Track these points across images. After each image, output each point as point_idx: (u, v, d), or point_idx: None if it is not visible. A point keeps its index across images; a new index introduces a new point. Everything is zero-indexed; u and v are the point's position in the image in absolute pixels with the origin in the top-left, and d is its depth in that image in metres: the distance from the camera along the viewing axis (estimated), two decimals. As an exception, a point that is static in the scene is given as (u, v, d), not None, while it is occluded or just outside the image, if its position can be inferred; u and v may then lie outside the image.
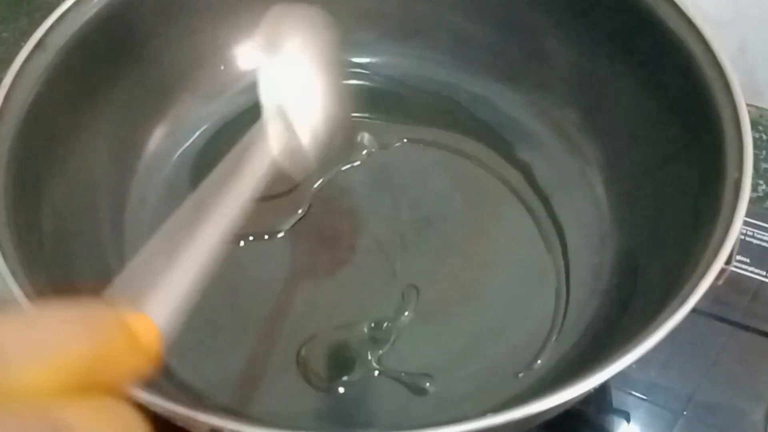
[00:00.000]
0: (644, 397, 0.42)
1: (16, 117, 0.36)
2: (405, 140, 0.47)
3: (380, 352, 0.39)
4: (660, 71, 0.40)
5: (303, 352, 0.39)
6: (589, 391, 0.28)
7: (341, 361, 0.39)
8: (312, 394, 0.38)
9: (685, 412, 0.42)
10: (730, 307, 0.45)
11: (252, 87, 0.48)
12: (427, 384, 0.38)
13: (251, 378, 0.38)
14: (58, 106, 0.39)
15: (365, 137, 0.47)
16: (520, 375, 0.38)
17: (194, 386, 0.37)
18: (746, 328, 0.45)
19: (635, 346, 0.29)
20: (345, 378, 0.38)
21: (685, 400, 0.42)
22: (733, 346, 0.44)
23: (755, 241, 0.48)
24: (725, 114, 0.35)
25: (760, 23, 0.59)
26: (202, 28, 0.46)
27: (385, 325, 0.40)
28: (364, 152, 0.47)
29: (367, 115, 0.48)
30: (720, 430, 0.41)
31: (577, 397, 0.28)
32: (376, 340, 0.39)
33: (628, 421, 0.41)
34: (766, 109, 0.56)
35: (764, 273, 0.46)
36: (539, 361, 0.38)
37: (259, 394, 0.38)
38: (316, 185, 0.45)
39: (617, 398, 0.41)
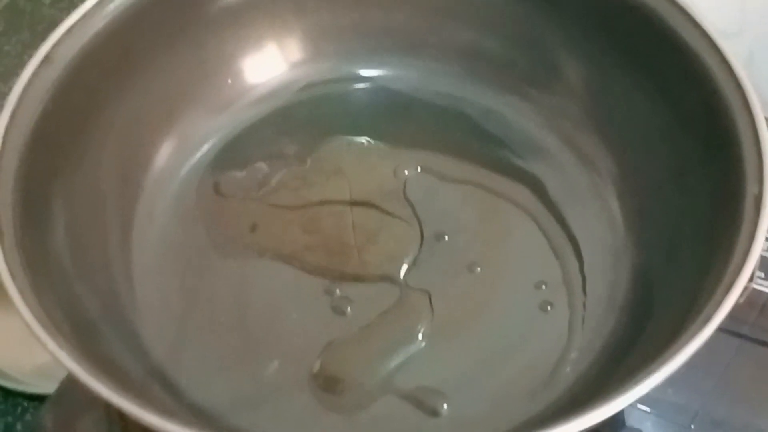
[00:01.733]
0: (650, 411, 0.42)
1: (23, 134, 0.36)
2: (414, 152, 0.46)
3: (393, 370, 0.38)
4: (674, 83, 0.40)
5: (316, 368, 0.38)
6: (612, 415, 0.28)
7: (352, 377, 0.38)
8: (324, 415, 0.37)
9: (692, 426, 0.42)
10: (739, 320, 0.45)
11: (259, 100, 0.49)
12: (441, 404, 0.37)
13: (263, 398, 0.37)
14: (66, 121, 0.39)
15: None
16: (536, 395, 0.37)
17: (205, 408, 0.37)
18: (755, 341, 0.45)
19: (659, 366, 0.28)
20: (357, 396, 0.37)
21: (692, 414, 0.42)
22: (742, 360, 0.44)
23: (765, 254, 0.47)
24: (742, 126, 0.35)
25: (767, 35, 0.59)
26: (208, 42, 0.46)
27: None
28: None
29: (375, 126, 0.48)
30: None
31: (600, 422, 0.28)
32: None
33: (641, 438, 0.40)
34: (774, 121, 0.55)
35: (774, 286, 0.46)
36: (555, 381, 0.37)
37: (271, 416, 0.37)
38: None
39: (625, 412, 0.40)
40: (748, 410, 0.43)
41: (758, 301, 0.45)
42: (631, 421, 0.41)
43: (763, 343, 0.45)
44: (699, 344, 0.29)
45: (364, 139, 0.47)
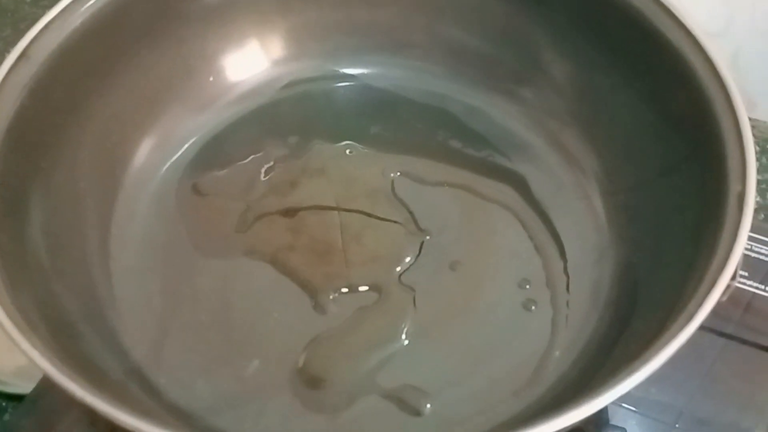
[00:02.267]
0: (635, 410, 0.42)
1: (-1, 129, 0.35)
2: (398, 153, 0.46)
3: (376, 369, 0.38)
4: (659, 83, 0.40)
5: (298, 367, 0.38)
6: (593, 413, 0.28)
7: (335, 376, 0.38)
8: (306, 415, 0.37)
9: (677, 425, 0.42)
10: (723, 319, 0.45)
11: (241, 98, 0.48)
12: (424, 403, 0.37)
13: (244, 398, 0.37)
14: (43, 118, 0.38)
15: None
16: (520, 394, 0.37)
17: (184, 408, 0.36)
18: (739, 340, 0.45)
19: (642, 364, 0.28)
20: (339, 396, 0.37)
21: (677, 412, 0.42)
22: (726, 358, 0.44)
23: (750, 254, 0.47)
24: (726, 125, 0.35)
25: (753, 34, 0.59)
26: (190, 39, 0.46)
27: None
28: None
29: (359, 126, 0.47)
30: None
31: (582, 420, 0.27)
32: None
33: (625, 436, 0.40)
34: (759, 121, 0.55)
35: (757, 285, 0.46)
36: (538, 379, 0.37)
37: (252, 415, 0.36)
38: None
39: (609, 411, 0.40)
40: (734, 409, 0.43)
41: (742, 299, 0.45)
42: (615, 420, 0.41)
43: (748, 342, 0.45)
44: (681, 342, 0.28)
45: (347, 139, 0.47)
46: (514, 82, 0.47)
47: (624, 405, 0.41)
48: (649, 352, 0.29)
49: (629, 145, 0.42)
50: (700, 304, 0.30)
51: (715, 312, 0.29)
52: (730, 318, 0.45)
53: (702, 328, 0.28)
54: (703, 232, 0.34)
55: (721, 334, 0.45)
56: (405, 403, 0.37)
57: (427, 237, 0.42)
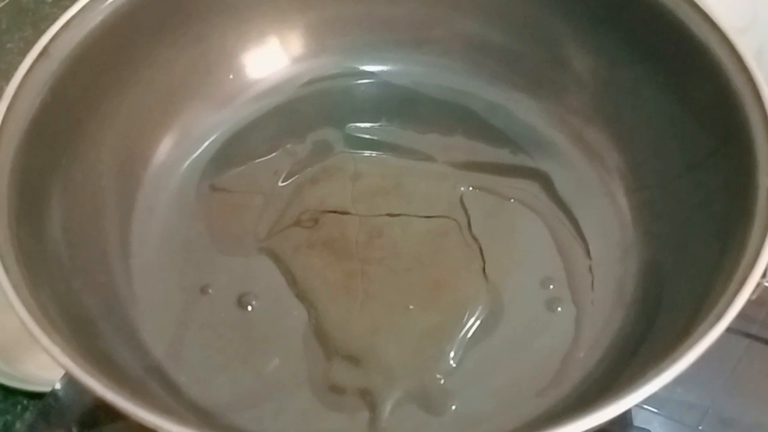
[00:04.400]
0: (658, 412, 0.41)
1: (20, 127, 0.35)
2: (417, 149, 0.46)
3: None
4: (684, 77, 0.39)
5: (318, 366, 0.37)
6: (618, 415, 0.27)
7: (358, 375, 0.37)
8: (326, 413, 0.36)
9: (700, 427, 0.41)
10: (747, 319, 0.44)
11: (261, 95, 0.48)
12: (448, 404, 0.36)
13: (263, 396, 0.37)
14: (63, 115, 0.38)
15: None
16: (543, 393, 0.36)
17: (204, 405, 0.36)
18: (763, 340, 0.44)
19: (669, 364, 0.27)
20: (362, 393, 0.37)
21: (701, 414, 0.41)
22: (750, 358, 0.43)
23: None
24: (754, 118, 0.34)
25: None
26: (209, 36, 0.45)
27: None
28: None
29: (379, 124, 0.47)
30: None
31: (606, 421, 0.27)
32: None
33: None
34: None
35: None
36: (562, 379, 0.37)
37: (271, 414, 0.36)
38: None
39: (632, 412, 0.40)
40: (758, 408, 0.42)
41: (767, 299, 0.45)
42: (638, 421, 0.40)
43: (770, 342, 0.44)
44: (710, 342, 0.28)
45: (368, 136, 0.46)
46: (536, 78, 0.46)
47: (647, 407, 0.40)
48: (676, 351, 0.28)
49: (653, 141, 0.41)
50: (729, 303, 0.29)
51: (740, 312, 0.28)
52: (755, 318, 0.45)
53: (727, 329, 0.28)
54: (731, 228, 0.33)
55: (746, 335, 0.44)
56: (428, 401, 0.36)
57: (447, 233, 0.42)
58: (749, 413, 0.42)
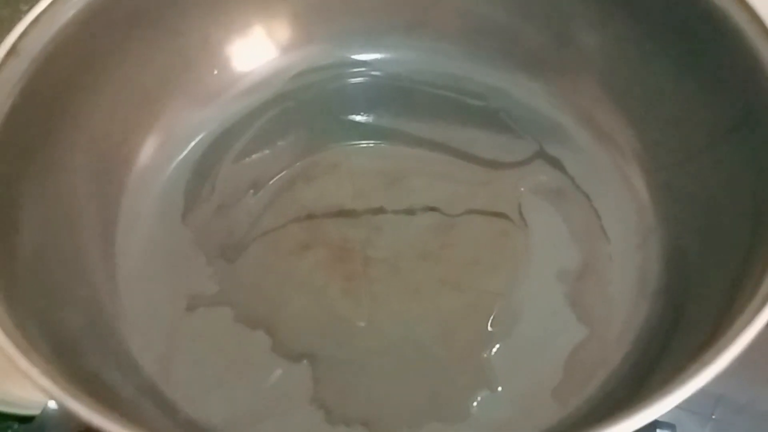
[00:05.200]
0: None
1: (-13, 131, 0.33)
2: (417, 142, 0.44)
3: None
4: (698, 47, 0.37)
5: (319, 380, 0.35)
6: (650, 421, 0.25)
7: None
8: (331, 428, 0.34)
9: (713, 416, 0.40)
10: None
11: (249, 90, 0.46)
12: (463, 408, 0.34)
13: (264, 412, 0.35)
14: (35, 118, 0.36)
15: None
16: (565, 392, 0.34)
17: (201, 424, 0.34)
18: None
19: (704, 366, 0.25)
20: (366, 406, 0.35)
21: (713, 402, 0.40)
22: (762, 345, 0.42)
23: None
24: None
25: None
26: (189, 29, 0.43)
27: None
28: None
29: (373, 116, 0.45)
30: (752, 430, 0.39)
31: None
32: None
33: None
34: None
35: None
36: (586, 377, 0.34)
37: (273, 430, 0.34)
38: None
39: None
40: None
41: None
42: (665, 418, 0.38)
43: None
44: (755, 331, 0.25)
45: (362, 131, 0.44)
46: (538, 58, 0.44)
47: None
48: (710, 350, 0.26)
49: (669, 118, 0.39)
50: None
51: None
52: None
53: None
54: (761, 204, 0.31)
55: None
56: (442, 408, 0.34)
57: (454, 227, 0.40)
58: (762, 401, 0.41)
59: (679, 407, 0.39)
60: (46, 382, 0.26)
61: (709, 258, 0.34)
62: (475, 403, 0.34)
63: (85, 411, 0.26)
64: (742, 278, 0.29)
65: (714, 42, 0.36)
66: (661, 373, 0.28)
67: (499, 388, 0.35)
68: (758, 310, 0.26)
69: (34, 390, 0.42)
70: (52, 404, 0.36)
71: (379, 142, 0.44)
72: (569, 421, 0.33)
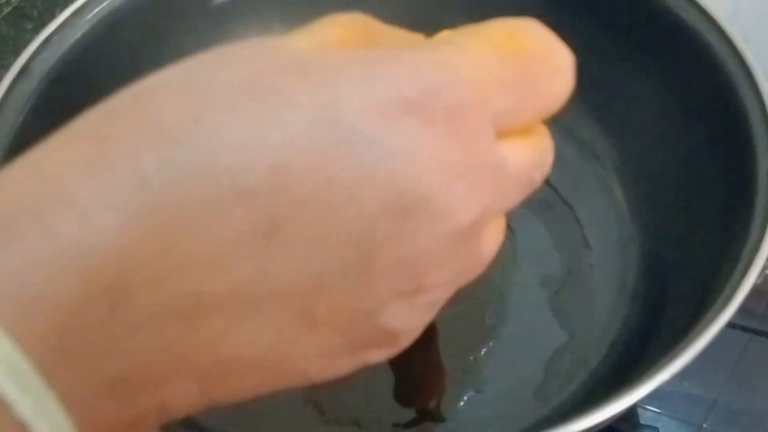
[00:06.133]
0: (660, 411, 0.40)
1: (-1, 149, 0.34)
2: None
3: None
4: (675, 64, 0.39)
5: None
6: (623, 411, 0.26)
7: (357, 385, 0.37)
8: (324, 427, 0.35)
9: (704, 425, 0.41)
10: (746, 313, 0.43)
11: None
12: (448, 407, 0.35)
13: (262, 411, 0.36)
14: (46, 136, 0.37)
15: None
16: (548, 393, 0.36)
17: (199, 422, 0.35)
18: (763, 334, 0.44)
19: (672, 359, 0.27)
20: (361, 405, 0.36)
21: (704, 411, 0.41)
22: (751, 353, 0.43)
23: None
24: (749, 102, 0.34)
25: (760, 19, 0.58)
26: (193, 49, 0.44)
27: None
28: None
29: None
30: (743, 439, 0.39)
31: (611, 417, 0.26)
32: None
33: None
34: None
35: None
36: (567, 378, 0.36)
37: (271, 429, 0.35)
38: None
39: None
40: (762, 403, 0.41)
41: (766, 292, 0.44)
42: (647, 421, 0.39)
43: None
44: (715, 331, 0.27)
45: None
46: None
47: (648, 407, 0.40)
48: (678, 346, 0.28)
49: (647, 131, 0.41)
50: (734, 291, 0.28)
51: (739, 306, 0.28)
52: (753, 312, 0.44)
53: (727, 324, 0.27)
54: (732, 213, 0.33)
55: (745, 329, 0.44)
56: (428, 406, 0.35)
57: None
58: (753, 408, 0.41)
59: (668, 416, 0.41)
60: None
61: (684, 264, 0.36)
62: (461, 403, 0.35)
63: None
64: (715, 282, 0.31)
65: (687, 60, 0.37)
66: (640, 373, 0.29)
67: (485, 389, 0.36)
68: (722, 310, 0.27)
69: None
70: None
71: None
72: (551, 418, 0.34)
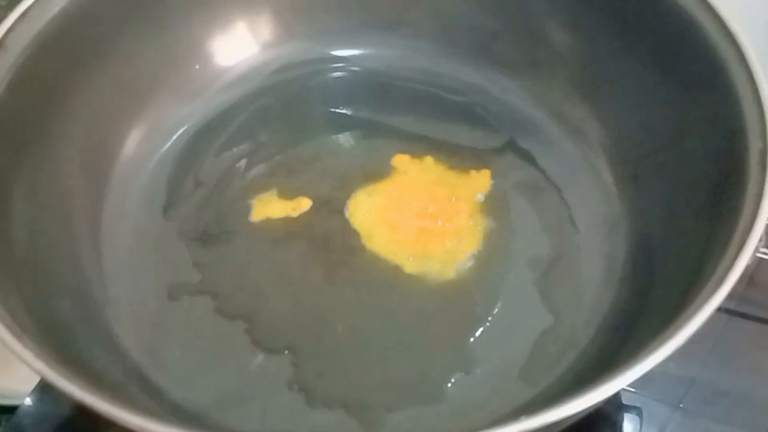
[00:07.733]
0: (636, 391, 0.41)
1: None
2: (394, 136, 0.45)
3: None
4: (663, 45, 0.38)
5: (303, 362, 0.36)
6: (610, 395, 0.26)
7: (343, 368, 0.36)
8: (312, 411, 0.35)
9: (681, 405, 0.41)
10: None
11: (231, 84, 0.47)
12: (437, 390, 0.35)
13: (249, 395, 0.35)
14: (23, 112, 0.36)
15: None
16: (536, 375, 0.35)
17: (187, 407, 0.35)
18: (742, 315, 0.44)
19: (663, 342, 0.27)
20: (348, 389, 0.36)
21: (681, 392, 0.41)
22: (730, 334, 0.43)
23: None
24: (739, 81, 0.33)
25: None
26: (174, 25, 0.44)
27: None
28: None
29: (353, 109, 0.46)
30: (720, 419, 0.41)
31: (597, 402, 0.26)
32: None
33: (641, 417, 0.38)
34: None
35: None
36: (556, 359, 0.36)
37: (258, 413, 0.35)
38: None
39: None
40: (740, 384, 0.42)
41: (744, 273, 0.44)
42: (629, 402, 0.39)
43: (751, 317, 0.44)
44: (706, 316, 0.27)
45: (342, 124, 0.45)
46: (513, 56, 0.45)
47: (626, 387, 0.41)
48: (668, 329, 0.27)
49: (636, 113, 0.41)
50: (726, 274, 0.28)
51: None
52: (732, 294, 0.45)
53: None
54: (722, 195, 0.33)
55: (725, 311, 0.44)
56: (418, 390, 0.35)
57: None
58: (732, 388, 0.42)
59: (647, 397, 0.41)
60: (40, 365, 0.27)
61: (672, 246, 0.36)
62: (449, 385, 0.35)
63: (77, 392, 0.26)
64: (703, 264, 0.31)
65: (679, 42, 0.37)
66: (628, 354, 0.29)
67: (473, 371, 0.36)
68: (714, 291, 0.27)
69: (18, 380, 0.43)
70: (27, 401, 0.36)
71: (358, 135, 0.45)
72: (539, 399, 0.34)
